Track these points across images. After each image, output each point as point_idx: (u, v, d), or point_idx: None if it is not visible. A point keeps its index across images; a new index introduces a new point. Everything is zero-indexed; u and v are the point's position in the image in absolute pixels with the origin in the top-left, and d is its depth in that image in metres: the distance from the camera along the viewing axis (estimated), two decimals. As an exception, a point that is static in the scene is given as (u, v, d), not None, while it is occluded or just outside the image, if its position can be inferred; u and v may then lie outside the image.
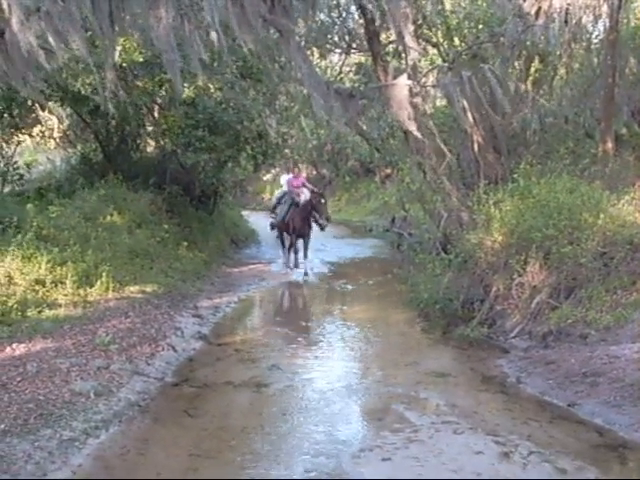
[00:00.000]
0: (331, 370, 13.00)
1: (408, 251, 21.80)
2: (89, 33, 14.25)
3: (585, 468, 8.85)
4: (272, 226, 24.09)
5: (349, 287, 21.33)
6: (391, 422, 10.52)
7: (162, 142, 23.62)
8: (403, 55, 19.40)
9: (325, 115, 19.38)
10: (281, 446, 9.54)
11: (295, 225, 22.31)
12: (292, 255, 23.05)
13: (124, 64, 20.35)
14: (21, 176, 22.34)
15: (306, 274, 21.72)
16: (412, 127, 17.57)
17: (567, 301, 14.09)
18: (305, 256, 22.64)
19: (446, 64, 20.58)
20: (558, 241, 14.30)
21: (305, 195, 21.24)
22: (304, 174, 21.04)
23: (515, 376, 12.58)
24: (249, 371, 12.92)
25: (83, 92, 19.18)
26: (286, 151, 30.46)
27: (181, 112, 21.20)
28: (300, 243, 22.84)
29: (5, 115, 21.12)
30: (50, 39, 12.71)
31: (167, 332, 14.66)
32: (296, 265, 22.66)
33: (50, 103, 21.78)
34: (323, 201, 22.69)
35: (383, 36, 23.11)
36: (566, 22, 17.61)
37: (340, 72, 35.59)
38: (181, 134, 21.21)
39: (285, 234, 23.12)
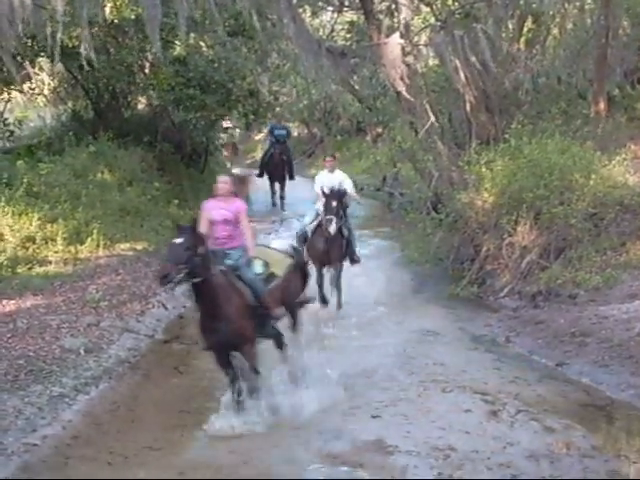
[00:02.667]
0: (319, 329, 13.01)
1: (399, 210, 21.78)
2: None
3: (572, 427, 8.92)
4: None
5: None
6: (380, 380, 10.60)
7: (151, 99, 23.50)
8: (396, 14, 19.28)
9: (314, 74, 19.35)
10: (271, 405, 9.53)
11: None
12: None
13: (115, 20, 20.22)
14: (11, 132, 22.21)
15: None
16: (402, 87, 17.55)
17: (557, 261, 14.15)
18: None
19: (439, 23, 20.45)
20: (549, 201, 14.31)
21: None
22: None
23: (504, 335, 12.67)
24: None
25: (71, 46, 19.01)
26: (277, 109, 30.27)
27: (172, 70, 21.06)
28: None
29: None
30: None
31: (157, 289, 14.64)
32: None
33: (40, 59, 21.67)
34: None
35: (376, -6, 22.93)
36: (560, -18, 17.55)
37: (332, 31, 35.39)
38: (171, 91, 21.08)
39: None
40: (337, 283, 15.18)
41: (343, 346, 12.20)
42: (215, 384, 10.35)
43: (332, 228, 14.42)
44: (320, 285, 15.11)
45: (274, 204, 27.46)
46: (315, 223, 15.43)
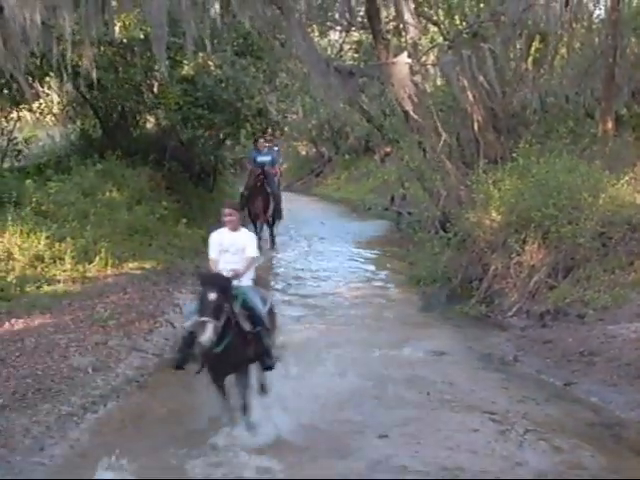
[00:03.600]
0: (329, 347, 12.98)
1: (407, 230, 21.80)
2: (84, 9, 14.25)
3: (581, 446, 8.89)
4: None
5: (347, 265, 21.32)
6: (388, 400, 10.57)
7: (159, 118, 23.57)
8: (404, 33, 19.35)
9: (322, 93, 19.40)
10: (276, 423, 9.54)
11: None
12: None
13: (124, 40, 20.31)
14: (19, 152, 22.31)
15: None
16: (409, 107, 17.60)
17: (565, 280, 14.12)
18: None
19: (447, 43, 20.53)
20: (557, 220, 14.30)
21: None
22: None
23: (512, 354, 12.63)
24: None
25: (80, 65, 19.11)
26: (285, 129, 30.31)
27: (180, 89, 21.13)
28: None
29: (4, 90, 21.07)
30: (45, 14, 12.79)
31: (165, 308, 14.68)
32: None
33: (48, 78, 21.76)
34: None
35: (384, 14, 22.98)
36: (567, 1, 17.57)
37: (340, 50, 35.50)
38: (179, 110, 21.14)
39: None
40: (244, 400, 9.78)
41: (351, 364, 12.17)
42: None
43: (205, 337, 8.91)
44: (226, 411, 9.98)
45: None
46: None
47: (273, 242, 23.27)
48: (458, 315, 15.00)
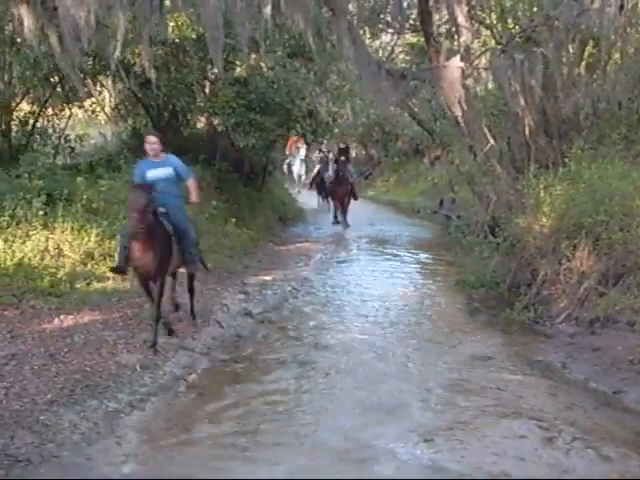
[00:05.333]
0: (376, 351, 12.96)
1: (456, 233, 21.72)
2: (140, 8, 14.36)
3: (629, 456, 8.78)
4: None
5: (396, 268, 21.30)
6: (435, 404, 10.51)
7: (212, 121, 23.70)
8: (456, 36, 19.29)
9: (372, 96, 19.39)
10: (326, 425, 9.56)
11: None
12: None
13: (176, 40, 20.43)
14: (72, 149, 22.54)
15: None
16: (459, 110, 17.55)
17: (615, 288, 13.95)
18: None
19: (499, 47, 20.42)
20: (608, 227, 14.16)
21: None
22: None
23: (561, 361, 12.52)
24: (294, 349, 12.97)
25: (132, 64, 19.26)
26: (336, 130, 30.34)
27: (232, 91, 21.20)
28: None
29: (58, 88, 21.31)
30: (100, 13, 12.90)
31: (213, 308, 14.76)
32: None
33: (101, 77, 21.97)
34: None
35: (436, 17, 22.93)
36: (622, 6, 17.40)
37: (392, 52, 35.50)
38: (232, 114, 21.22)
39: None
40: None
41: (395, 366, 12.15)
42: (269, 405, 10.39)
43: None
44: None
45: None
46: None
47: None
48: (505, 320, 14.89)
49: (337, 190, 28.71)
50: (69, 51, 14.07)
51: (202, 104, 22.63)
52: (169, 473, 8.23)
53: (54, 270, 14.69)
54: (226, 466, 8.44)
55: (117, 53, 14.50)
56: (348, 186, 28.50)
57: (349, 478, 8.21)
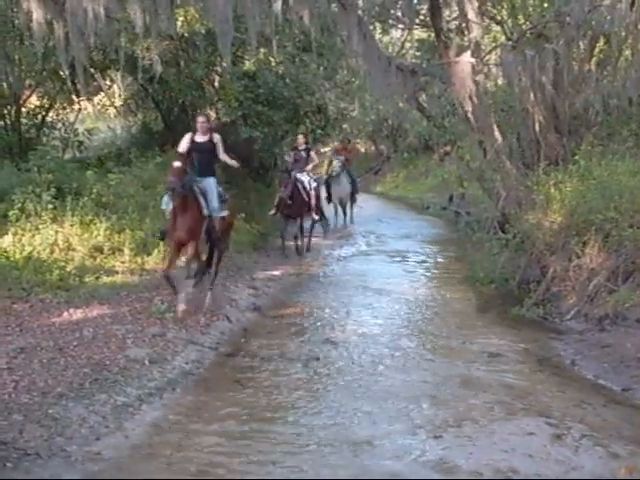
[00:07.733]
0: (384, 347, 12.95)
1: (465, 230, 21.69)
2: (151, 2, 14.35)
3: (638, 453, 8.75)
4: None
5: (404, 264, 21.28)
6: (444, 400, 10.49)
7: (219, 113, 23.67)
8: (466, 32, 19.25)
9: (381, 91, 19.35)
10: (334, 421, 9.56)
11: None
12: None
13: (185, 34, 20.42)
14: (81, 143, 22.55)
15: None
16: (470, 106, 17.53)
17: (625, 285, 13.93)
18: None
19: (510, 42, 20.38)
20: (618, 224, 14.14)
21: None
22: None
23: (570, 358, 12.49)
24: (302, 344, 12.96)
25: (141, 58, 19.26)
26: (345, 126, 30.30)
27: (240, 85, 21.17)
28: None
29: (67, 82, 21.32)
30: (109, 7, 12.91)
31: (222, 302, 14.74)
32: None
33: (110, 71, 21.98)
34: None
35: (447, 12, 22.87)
36: (633, 3, 17.35)
37: (402, 48, 35.41)
38: (239, 107, 21.19)
39: None
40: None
41: (404, 362, 12.13)
42: (277, 399, 10.38)
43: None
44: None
45: None
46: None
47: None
48: (515, 317, 14.86)
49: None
50: (77, 45, 14.08)
51: (210, 97, 22.61)
52: (174, 470, 8.21)
53: (63, 264, 14.73)
54: (231, 462, 8.43)
55: (123, 45, 14.53)
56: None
57: (356, 477, 8.19)
